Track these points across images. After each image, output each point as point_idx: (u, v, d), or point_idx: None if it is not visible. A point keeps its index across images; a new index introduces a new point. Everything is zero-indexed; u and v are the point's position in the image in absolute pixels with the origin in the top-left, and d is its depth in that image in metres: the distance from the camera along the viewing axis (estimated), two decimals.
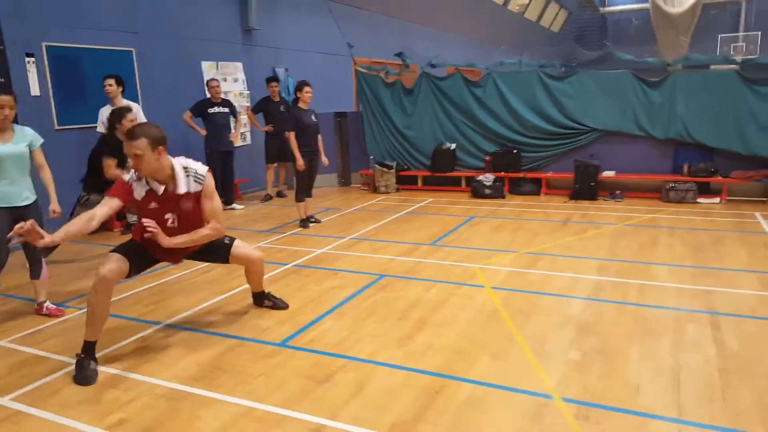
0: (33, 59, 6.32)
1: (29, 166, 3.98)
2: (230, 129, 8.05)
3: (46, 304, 4.13)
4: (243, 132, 9.27)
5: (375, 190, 9.33)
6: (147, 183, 3.30)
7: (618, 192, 8.08)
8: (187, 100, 7.83)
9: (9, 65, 6.07)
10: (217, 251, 3.69)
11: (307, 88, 6.70)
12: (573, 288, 4.39)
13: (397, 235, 6.29)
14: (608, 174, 8.18)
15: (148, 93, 7.68)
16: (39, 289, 4.12)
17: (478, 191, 8.56)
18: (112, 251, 3.30)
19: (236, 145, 8.52)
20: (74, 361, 3.19)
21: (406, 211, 7.76)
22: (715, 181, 7.77)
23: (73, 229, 3.02)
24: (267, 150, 8.73)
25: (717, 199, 7.66)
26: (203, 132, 7.77)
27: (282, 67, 10.14)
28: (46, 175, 4.08)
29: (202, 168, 3.44)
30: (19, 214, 3.79)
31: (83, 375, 3.08)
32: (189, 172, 3.37)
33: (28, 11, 6.25)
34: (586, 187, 8.05)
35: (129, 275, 3.32)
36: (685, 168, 7.84)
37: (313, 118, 6.78)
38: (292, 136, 6.56)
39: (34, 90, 6.32)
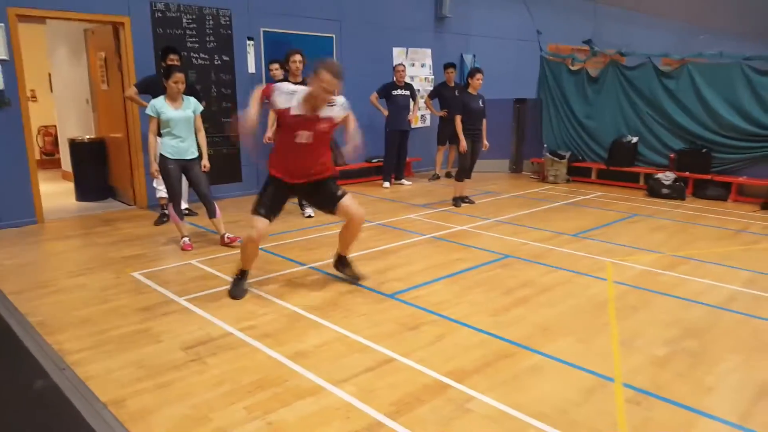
0: (252, 42, 7.68)
1: (193, 128, 5.11)
2: (409, 110, 8.74)
3: (225, 235, 5.25)
4: (423, 114, 9.93)
5: (544, 179, 9.31)
6: (304, 102, 3.75)
7: None
8: (376, 83, 8.68)
9: (234, 47, 7.50)
10: (329, 198, 4.03)
11: (478, 75, 7.04)
12: (703, 294, 4.16)
13: (542, 223, 6.37)
14: None
15: (345, 75, 8.70)
16: (217, 225, 5.28)
17: (654, 190, 8.05)
18: (255, 213, 3.90)
19: (414, 126, 9.21)
20: (232, 279, 4.12)
21: (566, 202, 7.69)
22: None
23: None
24: (439, 132, 9.27)
25: None
26: (386, 112, 8.56)
27: (470, 53, 10.53)
28: (202, 136, 5.20)
29: (342, 99, 3.93)
30: (186, 165, 5.05)
31: (235, 291, 4.01)
32: (334, 103, 3.87)
33: (252, 2, 7.60)
34: None
35: (271, 222, 3.97)
36: None
37: (480, 103, 7.10)
38: (458, 119, 6.98)
39: (251, 68, 7.68)
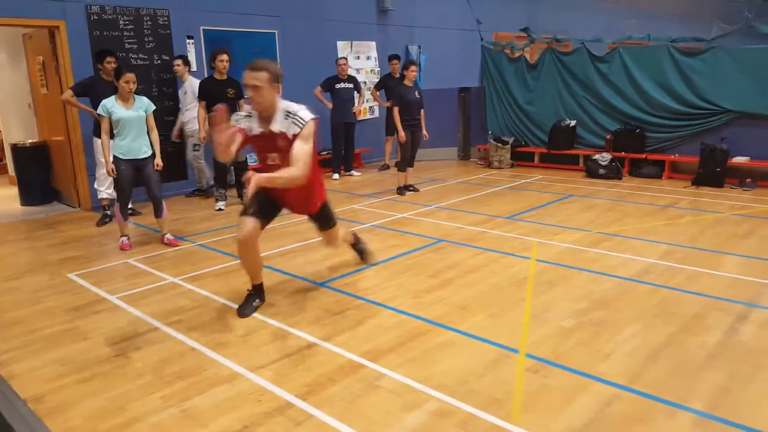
0: (192, 41, 7.67)
1: (145, 128, 5.13)
2: (353, 103, 8.84)
3: (167, 235, 5.30)
4: (371, 106, 10.04)
5: (489, 165, 9.54)
6: (258, 119, 3.43)
7: (749, 180, 7.35)
8: (321, 77, 8.75)
9: (173, 46, 7.48)
10: (325, 222, 3.92)
11: (412, 67, 7.20)
12: (619, 268, 4.40)
13: (480, 207, 6.58)
14: (740, 159, 7.46)
15: (289, 71, 8.74)
16: (162, 224, 5.31)
17: (592, 171, 8.36)
18: (243, 214, 3.54)
19: (362, 118, 9.33)
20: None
21: (508, 186, 7.92)
22: None
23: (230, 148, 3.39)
24: (387, 123, 9.41)
25: None
26: (330, 105, 8.66)
27: (415, 45, 10.67)
28: (155, 135, 5.21)
29: (306, 114, 3.37)
30: (138, 165, 5.05)
31: (244, 309, 3.66)
32: (290, 114, 3.36)
33: (190, 1, 7.58)
34: (711, 173, 7.44)
35: (263, 227, 3.57)
36: None
37: (416, 94, 7.27)
38: (395, 110, 7.14)
39: (192, 66, 7.67)
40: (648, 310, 3.62)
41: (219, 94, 6.39)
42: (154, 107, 5.23)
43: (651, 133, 8.33)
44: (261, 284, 3.76)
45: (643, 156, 8.29)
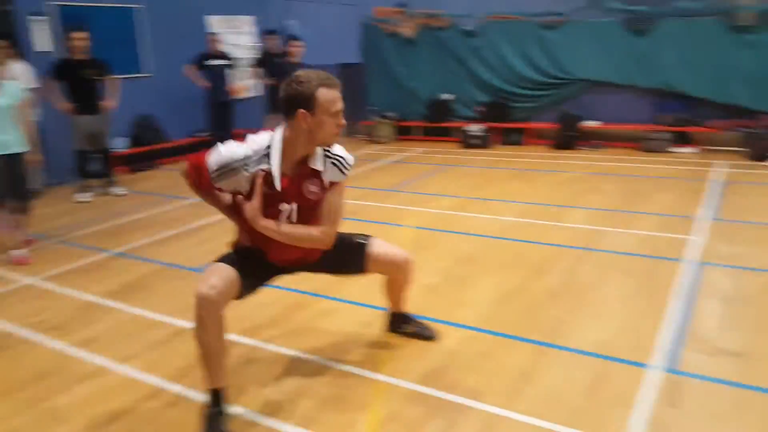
0: (39, 18, 7.09)
1: (14, 118, 4.42)
2: (229, 81, 8.69)
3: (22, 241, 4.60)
4: (252, 83, 9.92)
5: (373, 140, 9.86)
6: (284, 158, 2.36)
7: (597, 142, 8.23)
8: (193, 54, 8.47)
9: (17, 24, 6.87)
10: (351, 258, 2.72)
11: (295, 43, 7.21)
12: (483, 227, 4.86)
13: (362, 182, 6.86)
14: (590, 124, 8.32)
15: (157, 49, 8.45)
16: (19, 223, 4.59)
17: (466, 141, 8.93)
18: (218, 261, 2.44)
19: (240, 96, 9.21)
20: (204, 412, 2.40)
21: (390, 160, 8.28)
22: (690, 131, 7.79)
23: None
24: (269, 101, 9.37)
25: (692, 149, 7.69)
26: (204, 83, 8.43)
27: (293, 20, 10.62)
28: (26, 126, 4.52)
29: (350, 157, 2.52)
30: (7, 161, 4.35)
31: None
32: (331, 155, 2.44)
33: None
34: (567, 137, 8.25)
35: (240, 295, 2.48)
36: (664, 118, 7.87)
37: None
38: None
39: (43, 47, 7.09)
40: (503, 261, 4.08)
41: (76, 75, 6.05)
42: (27, 94, 4.62)
43: (516, 103, 9.04)
44: (222, 390, 2.39)
45: (509, 125, 8.98)
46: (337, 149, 2.47)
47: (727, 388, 2.48)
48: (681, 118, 7.77)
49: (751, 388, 2.47)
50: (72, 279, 4.15)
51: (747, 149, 7.18)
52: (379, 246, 2.75)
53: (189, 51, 8.44)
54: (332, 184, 2.47)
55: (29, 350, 3.15)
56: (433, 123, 9.61)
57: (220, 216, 5.40)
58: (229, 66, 8.61)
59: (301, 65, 7.37)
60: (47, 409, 2.58)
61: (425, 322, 3.15)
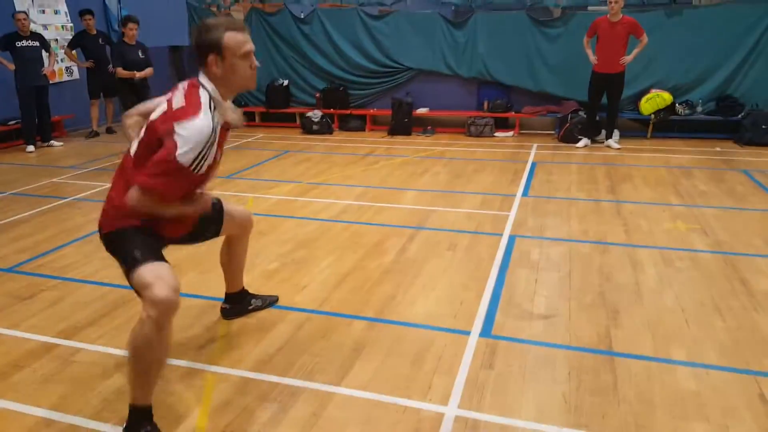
0: None
1: None
2: (42, 63, 7.80)
3: None
4: (68, 66, 8.97)
5: None
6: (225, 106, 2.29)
7: (429, 127, 8.74)
8: None
9: None
10: (211, 219, 2.68)
11: (130, 24, 6.78)
12: (321, 212, 4.94)
13: None
14: (422, 111, 8.81)
15: None
16: None
17: (306, 127, 8.94)
18: (139, 264, 2.14)
19: (56, 80, 8.30)
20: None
21: (229, 146, 7.98)
22: (509, 116, 8.61)
23: None
24: (90, 85, 8.57)
25: (511, 133, 8.51)
26: (11, 66, 7.49)
27: None
28: None
29: None
30: None
31: None
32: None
33: None
34: (402, 123, 8.63)
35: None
36: (485, 104, 8.60)
37: (140, 54, 6.83)
38: (119, 71, 6.70)
39: None
40: (340, 244, 4.20)
41: None
42: None
43: (353, 90, 9.23)
44: (150, 408, 2.20)
45: (348, 112, 9.16)
46: None
47: (533, 347, 2.80)
48: (501, 105, 8.53)
49: (554, 345, 2.80)
50: None
51: (556, 133, 8.12)
52: (228, 204, 2.80)
53: None
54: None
55: None
56: (272, 109, 9.47)
57: (33, 211, 4.91)
58: (40, 48, 7.70)
59: (138, 46, 6.87)
60: None
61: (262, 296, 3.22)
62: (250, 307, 3.16)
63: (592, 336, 2.88)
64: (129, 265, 2.16)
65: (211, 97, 2.19)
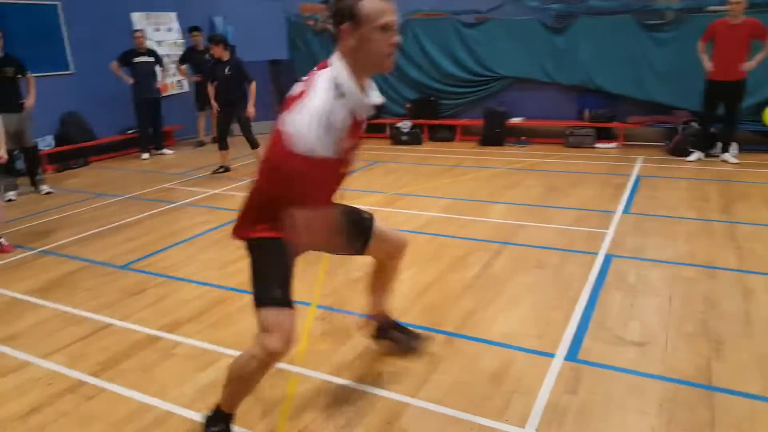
0: None
1: None
2: (156, 77, 8.48)
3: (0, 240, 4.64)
4: (179, 80, 9.69)
5: None
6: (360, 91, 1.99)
7: (523, 138, 8.54)
8: (117, 52, 8.23)
9: None
10: (356, 228, 2.47)
11: (212, 45, 7.17)
12: (406, 223, 4.97)
13: None
14: (516, 120, 8.62)
15: (79, 46, 8.12)
16: None
17: (396, 138, 9.05)
18: (267, 303, 2.04)
19: (169, 92, 8.99)
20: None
21: None
22: (612, 126, 8.21)
23: None
24: (197, 98, 9.20)
25: (614, 144, 8.12)
26: (130, 80, 8.22)
27: (220, 16, 10.43)
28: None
29: None
30: None
31: None
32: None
33: None
34: (493, 133, 8.50)
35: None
36: (586, 114, 8.25)
37: (226, 71, 7.24)
38: (209, 87, 7.10)
39: None
40: (424, 255, 4.19)
41: None
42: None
43: (443, 100, 9.22)
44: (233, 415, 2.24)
45: (438, 122, 9.17)
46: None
47: (623, 375, 2.63)
48: (604, 114, 8.17)
49: (646, 375, 2.62)
50: None
51: (665, 144, 7.64)
52: (382, 223, 2.51)
53: (115, 48, 8.20)
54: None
55: None
56: None
57: (144, 213, 5.30)
58: (155, 63, 8.40)
59: (231, 61, 7.27)
60: None
61: (411, 330, 2.91)
62: (390, 337, 2.87)
63: (690, 368, 2.66)
64: (258, 295, 2.07)
65: (335, 78, 1.90)
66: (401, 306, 3.38)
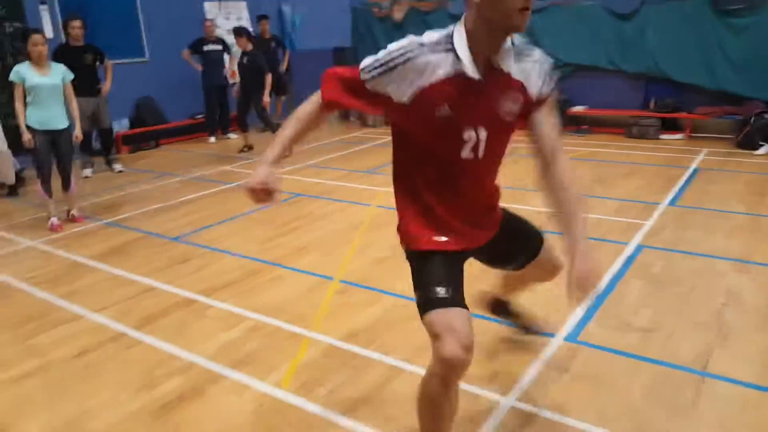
0: (46, 6, 7.46)
1: (62, 97, 4.87)
2: (224, 65, 8.97)
3: (73, 212, 5.15)
4: None
5: (364, 123, 10.07)
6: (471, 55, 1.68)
7: (585, 127, 8.34)
8: (188, 39, 8.77)
9: (26, 13, 7.27)
10: (521, 246, 2.18)
11: (236, 37, 7.52)
12: None
13: (345, 163, 7.10)
14: (578, 109, 8.43)
15: (154, 34, 8.74)
16: (70, 199, 5.13)
17: None
18: (432, 305, 1.77)
19: (235, 79, 9.48)
20: None
21: (377, 143, 8.48)
22: (678, 117, 7.86)
23: None
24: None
25: (680, 135, 7.78)
26: (199, 67, 8.74)
27: (289, 4, 10.83)
28: (74, 106, 4.99)
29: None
30: (54, 136, 4.81)
31: None
32: (527, 51, 1.77)
33: None
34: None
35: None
36: (651, 103, 7.95)
37: (245, 61, 7.49)
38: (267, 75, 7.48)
39: (48, 33, 7.48)
40: None
41: (74, 60, 6.40)
42: (72, 75, 5.00)
43: None
44: None
45: None
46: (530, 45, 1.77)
47: (619, 357, 2.67)
48: (670, 104, 7.84)
49: (642, 358, 2.64)
50: (65, 243, 4.59)
51: (734, 136, 7.26)
52: (550, 244, 2.17)
53: (187, 36, 8.74)
54: (541, 99, 1.79)
55: (23, 298, 3.60)
56: None
57: (202, 192, 5.72)
58: (223, 51, 8.88)
59: (250, 52, 7.48)
60: (29, 345, 3.02)
61: (527, 316, 2.77)
62: (509, 311, 2.72)
63: (690, 355, 2.66)
64: (419, 303, 1.84)
65: (451, 36, 1.68)
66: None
